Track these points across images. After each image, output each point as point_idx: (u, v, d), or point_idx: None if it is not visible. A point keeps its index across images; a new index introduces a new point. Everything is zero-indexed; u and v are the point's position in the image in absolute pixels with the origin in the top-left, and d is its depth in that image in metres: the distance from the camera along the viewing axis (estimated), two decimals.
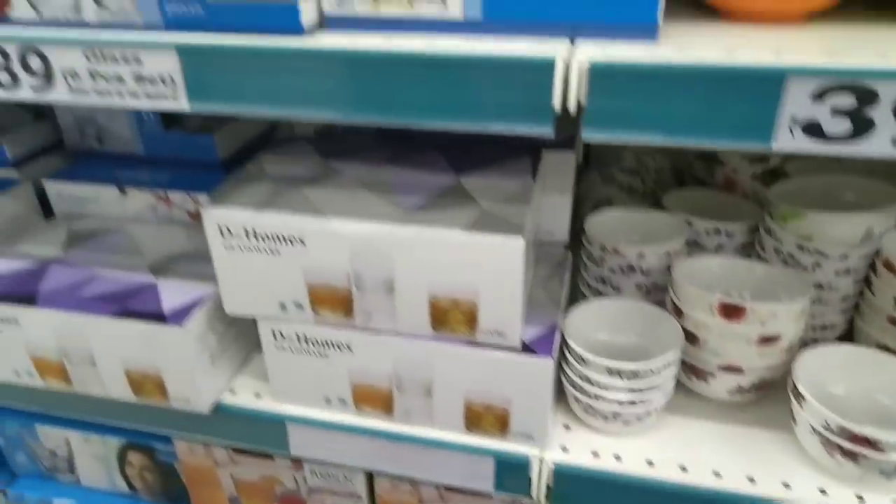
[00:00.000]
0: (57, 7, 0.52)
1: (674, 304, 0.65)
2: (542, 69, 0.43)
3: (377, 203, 0.60)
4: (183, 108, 0.52)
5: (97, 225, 0.81)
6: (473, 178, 0.64)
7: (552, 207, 0.72)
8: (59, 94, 0.54)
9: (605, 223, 0.76)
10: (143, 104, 0.53)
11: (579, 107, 0.44)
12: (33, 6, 0.52)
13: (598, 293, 0.73)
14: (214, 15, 0.49)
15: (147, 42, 0.50)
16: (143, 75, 0.51)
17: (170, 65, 0.50)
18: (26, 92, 0.54)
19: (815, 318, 0.68)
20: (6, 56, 0.53)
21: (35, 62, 0.53)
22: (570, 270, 0.72)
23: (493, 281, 0.56)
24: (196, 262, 0.74)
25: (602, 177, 0.92)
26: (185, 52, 0.50)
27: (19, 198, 0.83)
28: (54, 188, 0.84)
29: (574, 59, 0.43)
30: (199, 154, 0.84)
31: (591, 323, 0.66)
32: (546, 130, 0.45)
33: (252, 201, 0.60)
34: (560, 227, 0.73)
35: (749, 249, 0.74)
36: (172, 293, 0.68)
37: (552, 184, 0.71)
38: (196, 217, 0.81)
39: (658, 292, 0.71)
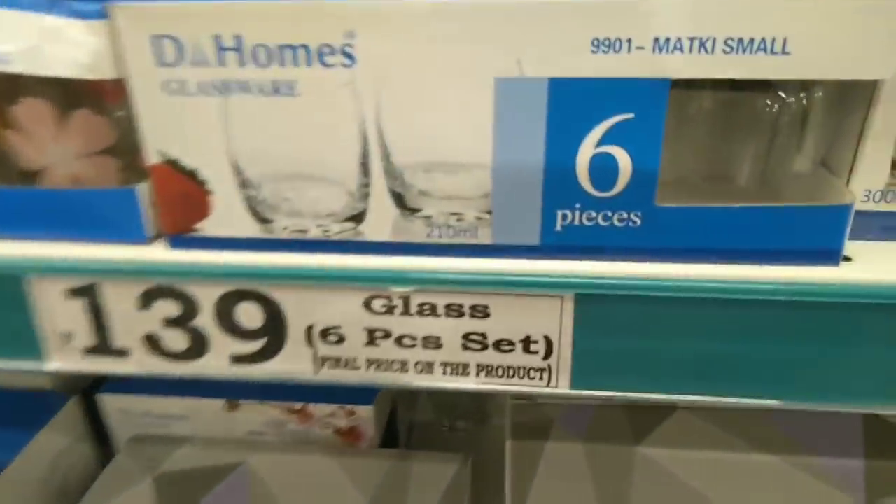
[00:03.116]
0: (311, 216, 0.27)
1: None
2: None
3: None
4: (555, 392, 0.28)
5: (197, 462, 0.54)
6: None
7: None
8: (280, 367, 0.29)
9: None
10: (467, 385, 0.28)
11: None
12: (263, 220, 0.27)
13: None
14: (669, 229, 0.25)
15: (513, 279, 0.26)
16: (474, 333, 0.27)
17: (548, 319, 0.26)
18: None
19: None
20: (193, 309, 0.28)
21: (252, 313, 0.28)
22: None
23: None
24: None
25: None
26: (588, 298, 0.26)
27: (65, 425, 0.55)
28: (115, 404, 0.56)
29: None
30: None
31: None
32: None
33: None
34: None
35: None
36: None
37: None
38: (349, 435, 0.55)
39: None
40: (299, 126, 0.25)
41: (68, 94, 0.27)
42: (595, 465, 0.38)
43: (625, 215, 0.25)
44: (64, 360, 0.30)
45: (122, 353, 0.29)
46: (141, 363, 0.29)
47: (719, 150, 0.27)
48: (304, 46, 0.24)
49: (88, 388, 0.57)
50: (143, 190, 0.28)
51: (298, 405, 0.55)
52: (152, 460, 0.55)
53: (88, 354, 0.29)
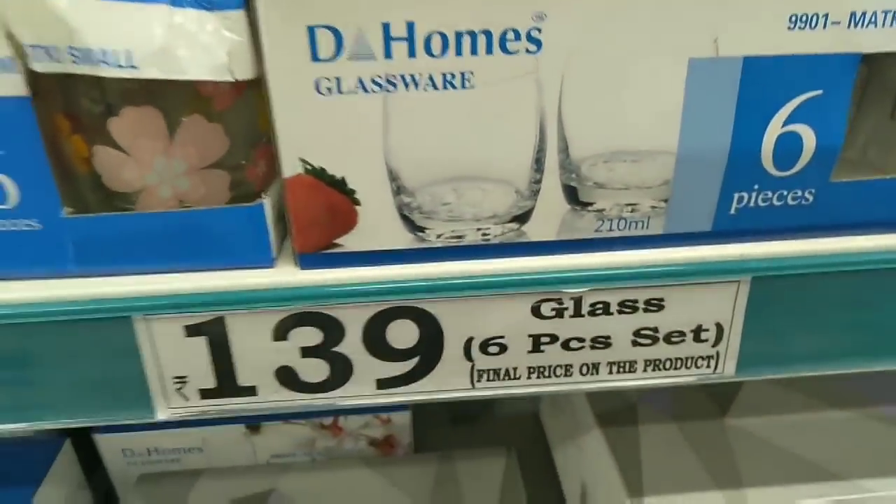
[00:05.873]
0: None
1: None
2: None
3: None
4: (718, 378, 0.28)
5: (221, 496, 0.50)
6: None
7: None
8: (433, 386, 0.27)
9: None
10: (632, 382, 0.28)
11: None
12: None
13: None
14: (841, 204, 0.26)
15: (692, 268, 0.26)
16: (646, 328, 0.27)
17: (722, 305, 0.26)
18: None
19: None
20: None
21: None
22: None
23: None
24: None
25: None
26: (763, 280, 0.26)
27: (61, 477, 0.49)
28: (114, 444, 0.51)
29: None
30: None
31: None
32: None
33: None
34: None
35: None
36: None
37: None
38: (384, 445, 0.53)
39: None
40: (470, 122, 0.23)
41: (173, 99, 0.23)
42: (693, 441, 0.38)
43: (799, 193, 0.25)
44: (178, 408, 0.26)
45: (248, 390, 0.26)
46: (270, 399, 0.26)
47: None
48: (486, 32, 0.22)
49: (80, 428, 0.52)
50: (268, 206, 0.25)
51: (329, 420, 0.52)
52: (170, 500, 0.51)
53: (207, 397, 0.26)
